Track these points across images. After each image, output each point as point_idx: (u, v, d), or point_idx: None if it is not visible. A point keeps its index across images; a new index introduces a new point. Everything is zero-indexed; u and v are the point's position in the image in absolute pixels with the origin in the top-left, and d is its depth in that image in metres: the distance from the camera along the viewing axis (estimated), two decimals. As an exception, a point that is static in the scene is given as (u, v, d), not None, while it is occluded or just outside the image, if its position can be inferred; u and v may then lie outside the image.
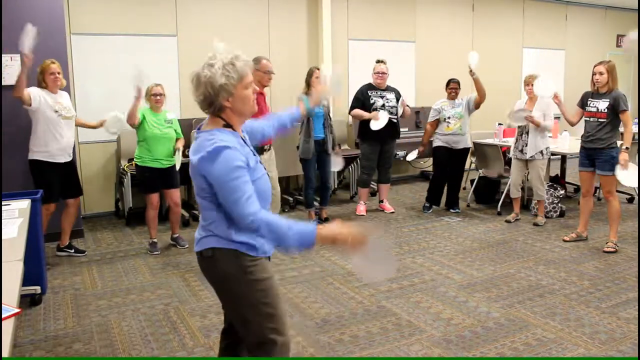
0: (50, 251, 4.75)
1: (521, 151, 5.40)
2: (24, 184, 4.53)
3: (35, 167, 4.36)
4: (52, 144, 4.33)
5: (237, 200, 1.80)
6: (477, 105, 5.85)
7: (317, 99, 2.66)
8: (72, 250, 4.74)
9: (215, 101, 1.85)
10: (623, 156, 4.41)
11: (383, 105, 5.70)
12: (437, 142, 5.99)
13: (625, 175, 4.44)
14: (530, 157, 5.33)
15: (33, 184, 4.38)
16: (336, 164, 5.51)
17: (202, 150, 1.82)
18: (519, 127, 5.40)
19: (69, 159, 4.49)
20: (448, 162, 5.95)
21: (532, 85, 5.19)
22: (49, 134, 4.30)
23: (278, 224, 1.81)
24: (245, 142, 1.95)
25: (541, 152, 5.33)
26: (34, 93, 4.24)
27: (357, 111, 5.74)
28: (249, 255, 1.93)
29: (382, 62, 5.80)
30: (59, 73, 4.37)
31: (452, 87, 5.91)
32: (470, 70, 5.52)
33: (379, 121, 5.57)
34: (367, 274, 1.94)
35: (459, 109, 5.83)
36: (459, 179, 6.13)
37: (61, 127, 4.36)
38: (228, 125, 1.90)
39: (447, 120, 5.84)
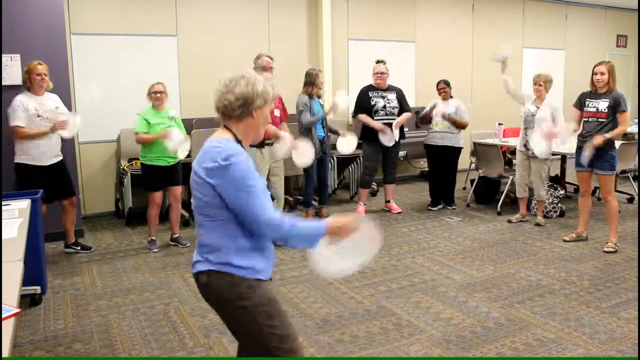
0: (51, 251, 4.75)
1: (525, 146, 5.40)
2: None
3: (20, 170, 4.31)
4: (34, 147, 4.28)
5: (261, 204, 1.77)
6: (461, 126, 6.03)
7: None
8: (79, 248, 4.77)
9: (249, 105, 1.83)
10: (598, 139, 4.37)
11: (384, 106, 5.70)
12: (426, 140, 6.21)
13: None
14: (533, 154, 5.33)
15: (15, 186, 4.30)
16: (390, 139, 5.59)
17: (212, 159, 1.78)
18: (524, 122, 5.39)
19: (55, 160, 4.45)
20: (437, 159, 6.11)
21: (539, 84, 5.24)
22: (35, 140, 4.26)
23: (304, 223, 1.82)
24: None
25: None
26: (21, 115, 4.19)
27: (364, 117, 5.71)
28: (247, 279, 1.84)
29: (381, 62, 5.80)
30: (45, 74, 4.31)
31: (441, 88, 6.08)
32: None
33: (387, 136, 5.59)
34: (325, 266, 1.89)
35: (451, 110, 5.96)
36: (451, 177, 6.21)
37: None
38: (238, 141, 1.87)
39: (436, 118, 5.96)
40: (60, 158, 4.51)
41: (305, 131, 5.31)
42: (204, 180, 1.79)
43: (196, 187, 1.84)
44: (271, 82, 1.89)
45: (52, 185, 4.42)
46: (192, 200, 1.89)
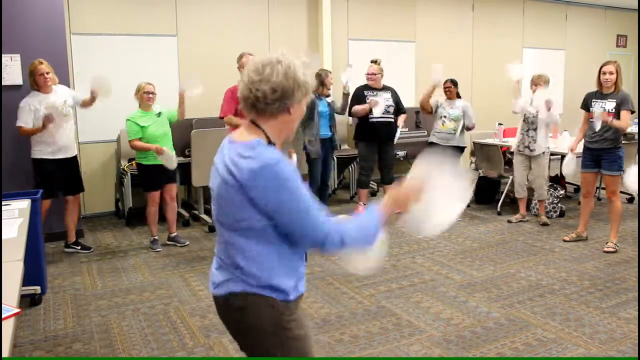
0: (51, 251, 4.75)
1: (527, 147, 5.40)
2: (23, 184, 4.53)
3: (37, 165, 4.44)
4: (49, 143, 4.40)
5: (308, 210, 1.50)
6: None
7: None
8: (79, 247, 4.79)
9: (289, 98, 1.52)
10: (605, 116, 4.34)
11: None
12: (431, 139, 6.12)
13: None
14: (538, 154, 5.33)
15: (34, 181, 4.43)
16: (379, 108, 5.55)
17: (247, 167, 1.48)
18: (524, 123, 5.39)
19: (70, 154, 4.56)
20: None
21: (539, 85, 5.25)
22: (45, 134, 4.34)
23: (358, 222, 1.58)
24: None
25: (543, 151, 5.34)
26: (26, 118, 4.30)
27: (356, 107, 5.71)
28: (285, 302, 1.60)
29: (375, 62, 5.79)
30: (47, 73, 4.37)
31: (447, 87, 5.96)
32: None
33: (378, 106, 5.56)
34: (422, 228, 1.68)
35: (457, 112, 5.86)
36: None
37: (57, 126, 4.36)
38: (270, 142, 1.56)
39: (442, 118, 5.90)
40: (75, 154, 4.64)
41: (310, 131, 5.34)
42: (237, 192, 1.51)
43: (226, 200, 1.55)
44: (310, 67, 1.59)
45: (65, 179, 4.55)
46: (215, 213, 1.63)
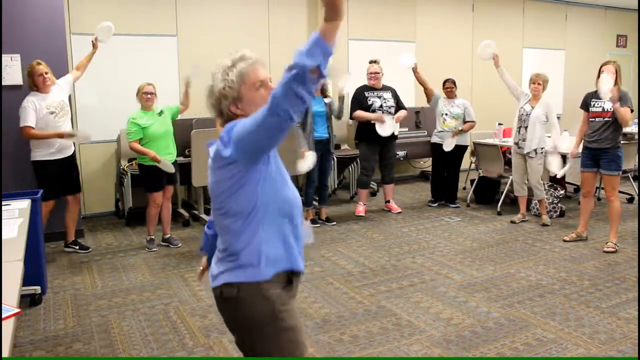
0: (51, 251, 4.75)
1: (517, 144, 5.45)
2: (23, 184, 4.53)
3: (39, 167, 4.43)
4: (49, 144, 4.40)
5: (256, 116, 1.50)
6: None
7: None
8: (77, 247, 4.79)
9: (223, 109, 1.69)
10: (615, 91, 4.30)
11: (381, 106, 5.70)
12: (433, 139, 6.26)
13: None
14: (527, 153, 5.35)
15: (37, 183, 4.43)
16: (386, 129, 5.62)
17: (220, 142, 1.61)
18: (518, 120, 5.42)
19: (69, 153, 4.56)
20: (443, 157, 6.14)
21: (537, 83, 5.29)
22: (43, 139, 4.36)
23: (296, 67, 1.46)
24: None
25: (535, 150, 5.34)
26: (33, 117, 4.29)
27: (361, 113, 5.71)
28: (279, 281, 1.67)
29: (375, 62, 5.82)
30: (46, 73, 4.37)
31: (448, 87, 6.16)
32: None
33: (385, 126, 5.60)
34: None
35: (458, 110, 6.03)
36: (455, 175, 6.29)
37: (58, 126, 4.39)
38: None
39: (443, 116, 6.02)
40: (73, 150, 4.64)
41: (304, 131, 5.33)
42: (222, 166, 1.61)
43: (214, 183, 1.66)
44: (243, 58, 1.68)
45: (64, 179, 4.55)
46: (214, 208, 1.72)
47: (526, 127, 5.34)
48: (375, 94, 5.77)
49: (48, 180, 4.40)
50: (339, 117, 5.74)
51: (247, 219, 1.65)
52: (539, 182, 5.45)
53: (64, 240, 4.80)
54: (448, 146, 5.95)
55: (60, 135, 4.33)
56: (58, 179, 4.48)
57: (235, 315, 1.70)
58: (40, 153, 4.41)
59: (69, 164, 4.59)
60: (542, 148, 5.36)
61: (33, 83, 4.36)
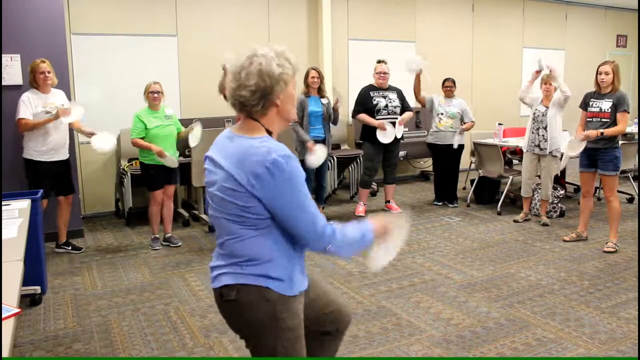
0: (51, 251, 4.75)
1: (538, 146, 5.38)
2: (23, 184, 4.52)
3: (28, 165, 4.42)
4: (43, 143, 4.38)
5: (310, 213, 1.59)
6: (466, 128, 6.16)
7: None
8: (70, 248, 4.78)
9: (270, 94, 1.58)
10: (591, 132, 4.38)
11: (386, 106, 5.70)
12: (428, 139, 6.31)
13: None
14: (549, 152, 5.33)
15: (26, 181, 4.42)
16: (387, 136, 5.64)
17: (258, 163, 1.54)
18: (534, 122, 5.39)
19: (63, 157, 4.54)
20: (440, 157, 6.21)
21: (549, 84, 5.29)
22: (39, 134, 4.35)
23: (351, 231, 1.70)
24: None
25: (556, 148, 5.34)
26: (26, 110, 4.27)
27: (364, 116, 5.70)
28: (282, 295, 1.65)
29: (382, 62, 5.81)
30: (48, 72, 4.37)
31: (447, 86, 6.18)
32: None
33: (386, 133, 5.62)
34: (377, 263, 1.92)
35: (454, 110, 6.06)
36: (454, 174, 6.30)
37: (52, 127, 4.37)
38: (269, 132, 1.64)
39: (439, 115, 6.04)
40: (67, 157, 4.60)
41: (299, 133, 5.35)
42: (244, 187, 1.56)
43: (229, 192, 1.60)
44: (285, 53, 1.64)
45: (57, 181, 4.53)
46: (214, 206, 1.69)
47: (545, 127, 5.31)
48: (381, 93, 5.76)
49: (36, 180, 4.38)
50: (333, 123, 5.75)
51: (257, 228, 1.62)
52: (551, 181, 5.45)
53: (56, 242, 4.77)
54: (456, 142, 5.99)
55: (64, 113, 4.28)
56: (48, 180, 4.43)
57: (236, 316, 1.70)
58: (33, 150, 4.37)
59: (62, 166, 4.54)
60: (558, 147, 5.34)
61: (34, 80, 4.35)
